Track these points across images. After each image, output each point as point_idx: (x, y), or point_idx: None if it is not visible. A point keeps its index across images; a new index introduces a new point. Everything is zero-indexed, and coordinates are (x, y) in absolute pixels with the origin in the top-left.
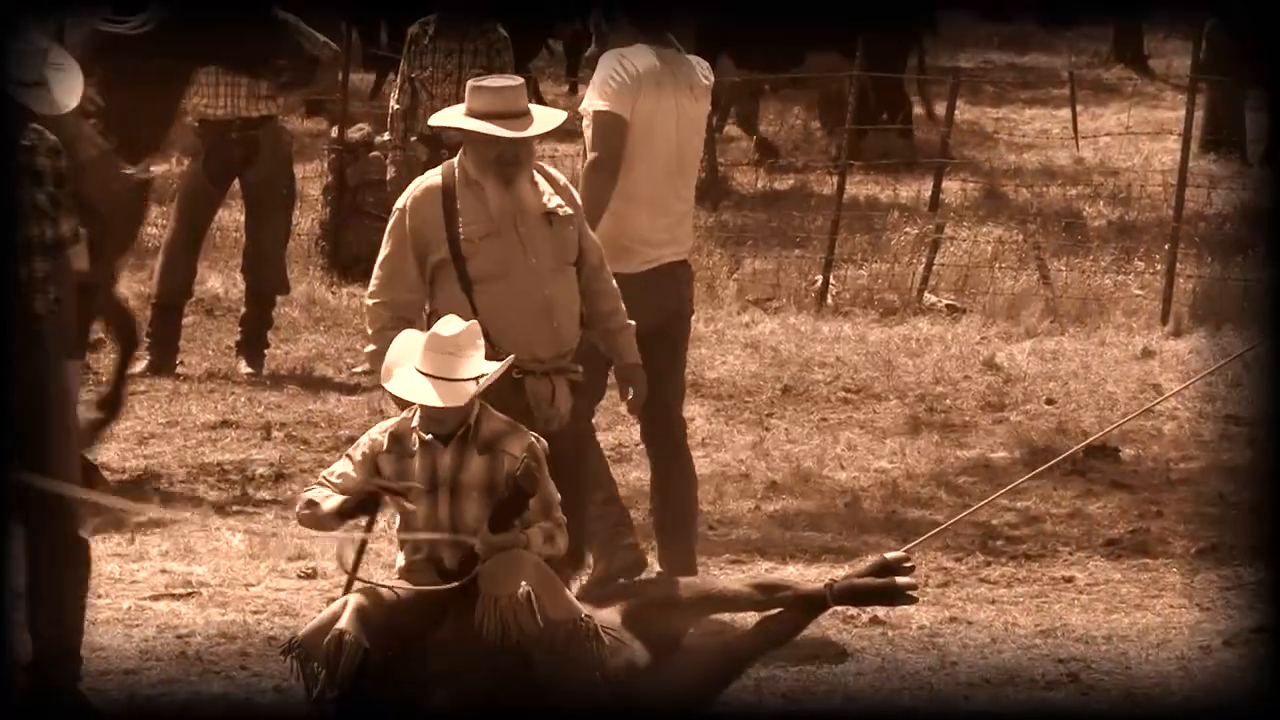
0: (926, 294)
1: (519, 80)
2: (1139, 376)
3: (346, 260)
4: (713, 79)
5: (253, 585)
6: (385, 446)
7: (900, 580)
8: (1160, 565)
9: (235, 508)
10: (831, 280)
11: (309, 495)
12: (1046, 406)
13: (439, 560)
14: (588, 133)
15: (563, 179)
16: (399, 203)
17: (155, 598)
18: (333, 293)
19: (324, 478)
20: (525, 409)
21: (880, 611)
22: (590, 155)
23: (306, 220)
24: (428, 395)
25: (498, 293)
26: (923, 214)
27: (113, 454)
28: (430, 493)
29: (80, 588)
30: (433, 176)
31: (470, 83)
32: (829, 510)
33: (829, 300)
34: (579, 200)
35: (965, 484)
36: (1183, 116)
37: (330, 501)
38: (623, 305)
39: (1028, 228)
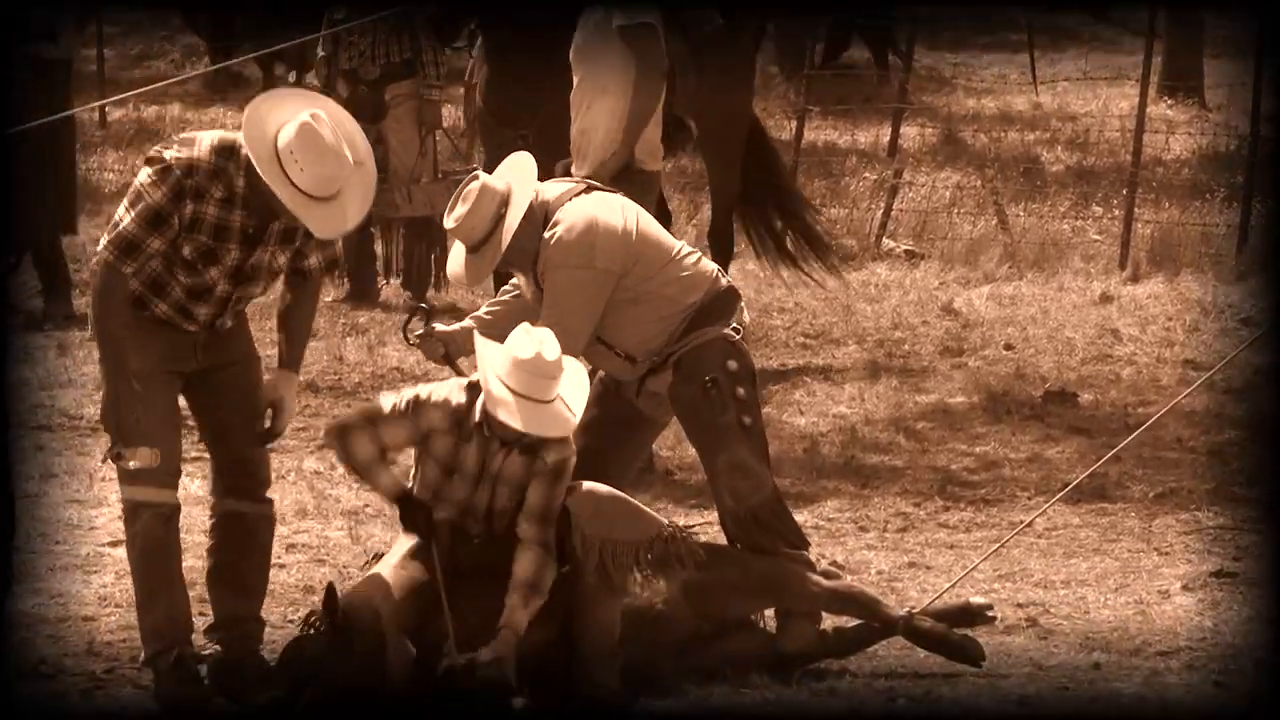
0: (885, 239)
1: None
2: (1097, 322)
3: None
4: None
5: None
6: (445, 426)
7: (969, 634)
8: (1118, 510)
9: (195, 454)
10: None
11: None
12: (1005, 352)
13: (463, 528)
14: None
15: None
16: None
17: (114, 544)
18: None
19: (385, 407)
20: None
21: (840, 557)
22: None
23: None
24: (545, 424)
25: None
26: (881, 159)
27: (69, 400)
28: (475, 479)
29: (266, 554)
30: None
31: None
32: (787, 455)
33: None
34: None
35: (924, 429)
36: (1140, 61)
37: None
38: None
39: (986, 173)
